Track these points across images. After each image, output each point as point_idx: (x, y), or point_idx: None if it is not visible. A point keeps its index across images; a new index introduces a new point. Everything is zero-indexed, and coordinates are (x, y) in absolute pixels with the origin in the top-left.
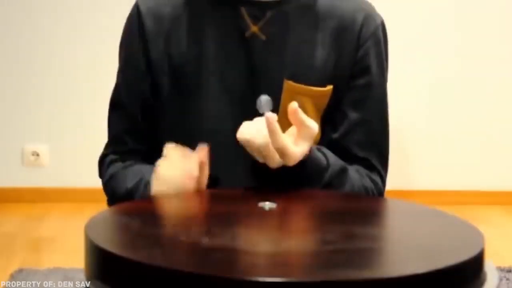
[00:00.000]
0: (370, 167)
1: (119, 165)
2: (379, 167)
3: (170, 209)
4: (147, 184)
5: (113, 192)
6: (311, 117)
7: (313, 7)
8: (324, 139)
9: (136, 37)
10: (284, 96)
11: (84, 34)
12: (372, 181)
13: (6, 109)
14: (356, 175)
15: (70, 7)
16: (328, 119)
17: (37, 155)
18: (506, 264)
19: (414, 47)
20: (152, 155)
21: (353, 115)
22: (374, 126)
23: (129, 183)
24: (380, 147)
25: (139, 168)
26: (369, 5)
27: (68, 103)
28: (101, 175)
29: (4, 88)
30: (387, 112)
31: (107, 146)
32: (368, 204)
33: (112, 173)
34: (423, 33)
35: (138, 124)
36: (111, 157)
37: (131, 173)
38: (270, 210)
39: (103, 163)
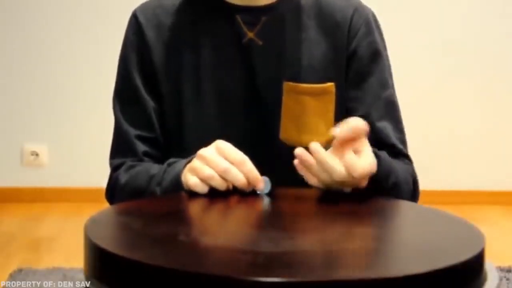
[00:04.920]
0: (397, 154)
1: (141, 164)
2: (405, 151)
3: (170, 208)
4: (173, 164)
5: (134, 188)
6: (317, 118)
7: (304, 8)
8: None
9: (139, 46)
10: (285, 97)
11: (84, 34)
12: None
13: (5, 108)
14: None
15: (71, 7)
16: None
17: (36, 154)
18: (506, 264)
19: (417, 46)
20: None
21: (354, 108)
22: (380, 115)
23: (153, 170)
24: (396, 133)
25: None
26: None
27: (68, 103)
28: (116, 179)
29: (4, 88)
30: (393, 96)
31: (118, 152)
32: (368, 204)
33: (132, 173)
34: (426, 32)
35: (151, 126)
36: (129, 163)
37: (154, 165)
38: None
39: (119, 168)
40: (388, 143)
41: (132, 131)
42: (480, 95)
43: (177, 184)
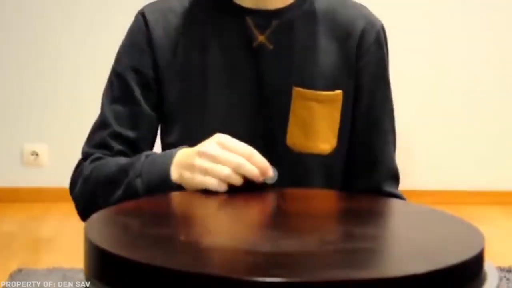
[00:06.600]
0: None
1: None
2: (390, 188)
3: (170, 209)
4: (150, 156)
5: (96, 181)
6: (323, 124)
7: (315, 14)
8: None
9: (144, 47)
10: (293, 103)
11: (84, 34)
12: None
13: (5, 108)
14: None
15: (71, 8)
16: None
17: (37, 154)
18: (506, 264)
19: (417, 48)
20: None
21: (358, 127)
22: (378, 143)
23: (122, 161)
24: (386, 163)
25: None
26: (368, 9)
27: (68, 103)
28: (81, 170)
29: (4, 88)
30: (393, 119)
31: (93, 142)
32: (368, 204)
33: (97, 164)
34: (425, 34)
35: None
36: (96, 155)
37: (123, 158)
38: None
39: (85, 160)
40: (384, 168)
41: (114, 127)
42: (480, 94)
43: (165, 180)
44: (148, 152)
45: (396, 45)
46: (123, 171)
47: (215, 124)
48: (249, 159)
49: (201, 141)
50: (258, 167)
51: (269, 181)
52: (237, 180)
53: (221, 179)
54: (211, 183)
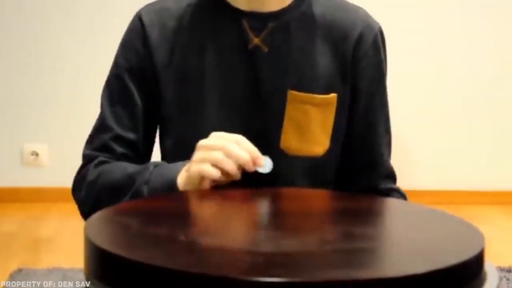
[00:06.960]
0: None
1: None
2: (387, 185)
3: (170, 208)
4: (158, 166)
5: (101, 187)
6: (318, 127)
7: (312, 17)
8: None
9: (140, 48)
10: (288, 106)
11: (84, 34)
12: None
13: (5, 108)
14: None
15: (71, 8)
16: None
17: (37, 154)
18: (506, 264)
19: (417, 48)
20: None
21: (355, 129)
22: (374, 144)
23: (130, 168)
24: (382, 163)
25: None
26: (366, 12)
27: (68, 103)
28: (85, 174)
29: (4, 88)
30: (389, 121)
31: (95, 145)
32: (368, 204)
33: (103, 169)
34: (425, 34)
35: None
36: (100, 159)
37: (129, 164)
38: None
39: (88, 163)
40: (380, 168)
41: (116, 130)
42: (480, 94)
43: (171, 186)
44: (157, 162)
45: (396, 45)
46: (131, 178)
47: (211, 125)
48: (239, 144)
49: (197, 142)
50: (248, 153)
51: (261, 170)
52: (230, 165)
53: (214, 164)
54: (205, 168)
